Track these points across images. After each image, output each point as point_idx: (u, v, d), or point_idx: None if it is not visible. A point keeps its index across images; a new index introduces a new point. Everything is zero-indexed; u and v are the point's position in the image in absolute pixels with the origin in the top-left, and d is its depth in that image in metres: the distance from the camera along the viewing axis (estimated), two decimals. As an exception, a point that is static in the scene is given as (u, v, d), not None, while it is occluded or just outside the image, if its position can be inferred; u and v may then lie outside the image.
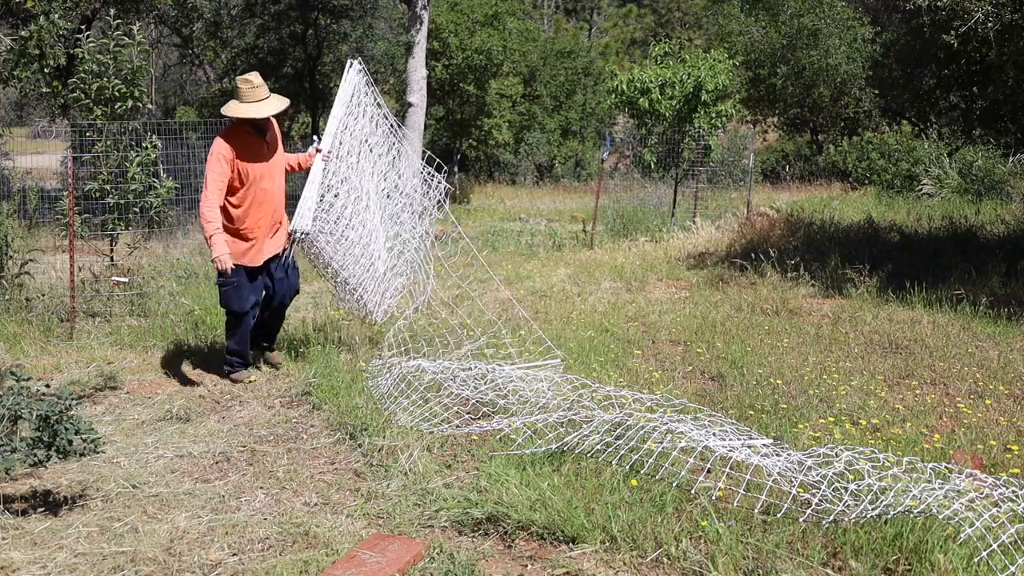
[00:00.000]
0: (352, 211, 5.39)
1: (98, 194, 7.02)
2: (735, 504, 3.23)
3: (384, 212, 5.76)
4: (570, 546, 3.13)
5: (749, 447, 3.51)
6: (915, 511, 2.90)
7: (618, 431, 3.61)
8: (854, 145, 20.81)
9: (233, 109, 5.22)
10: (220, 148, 5.16)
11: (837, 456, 3.33)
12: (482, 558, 3.08)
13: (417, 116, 13.81)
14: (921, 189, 16.62)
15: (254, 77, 5.26)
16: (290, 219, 5.30)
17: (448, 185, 5.94)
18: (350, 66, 5.66)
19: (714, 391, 5.08)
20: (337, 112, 5.49)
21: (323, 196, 5.27)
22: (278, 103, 5.32)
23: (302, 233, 5.10)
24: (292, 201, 5.42)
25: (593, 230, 12.35)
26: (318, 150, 5.40)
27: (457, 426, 4.23)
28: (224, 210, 5.20)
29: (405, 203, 5.91)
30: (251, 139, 5.28)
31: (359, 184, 5.52)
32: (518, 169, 26.21)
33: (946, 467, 3.33)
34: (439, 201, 5.93)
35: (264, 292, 5.46)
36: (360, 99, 5.65)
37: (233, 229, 5.23)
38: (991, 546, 2.76)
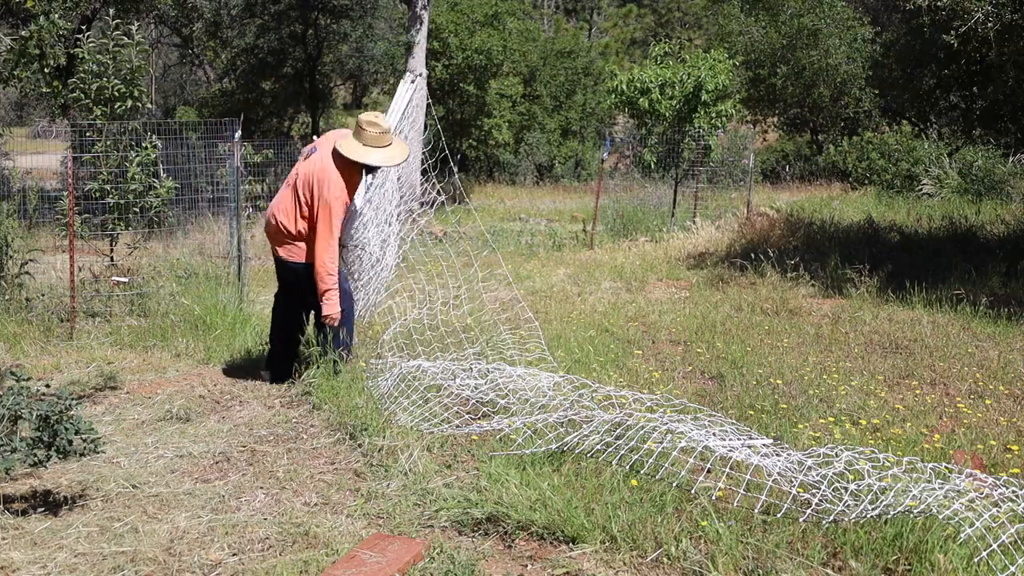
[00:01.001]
0: (382, 228, 5.42)
1: (98, 194, 7.02)
2: (735, 504, 3.23)
3: (391, 213, 5.79)
4: (570, 546, 3.13)
5: (749, 447, 3.51)
6: (915, 511, 2.90)
7: (618, 431, 3.61)
8: (854, 145, 20.82)
9: (360, 154, 4.91)
10: (343, 193, 4.91)
11: (837, 456, 3.33)
12: (482, 558, 3.08)
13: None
14: (921, 189, 16.63)
15: (380, 120, 4.97)
16: None
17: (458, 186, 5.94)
18: (406, 79, 5.58)
19: (714, 391, 5.08)
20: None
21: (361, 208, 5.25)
22: (404, 151, 5.07)
23: None
24: None
25: (593, 230, 12.35)
26: None
27: (457, 426, 4.23)
28: (308, 238, 4.99)
29: (407, 203, 5.93)
30: (357, 180, 5.07)
31: (389, 197, 5.55)
32: (518, 169, 26.19)
33: (946, 467, 3.33)
34: (441, 202, 5.93)
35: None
36: (411, 115, 5.64)
37: None
38: (991, 546, 2.76)
